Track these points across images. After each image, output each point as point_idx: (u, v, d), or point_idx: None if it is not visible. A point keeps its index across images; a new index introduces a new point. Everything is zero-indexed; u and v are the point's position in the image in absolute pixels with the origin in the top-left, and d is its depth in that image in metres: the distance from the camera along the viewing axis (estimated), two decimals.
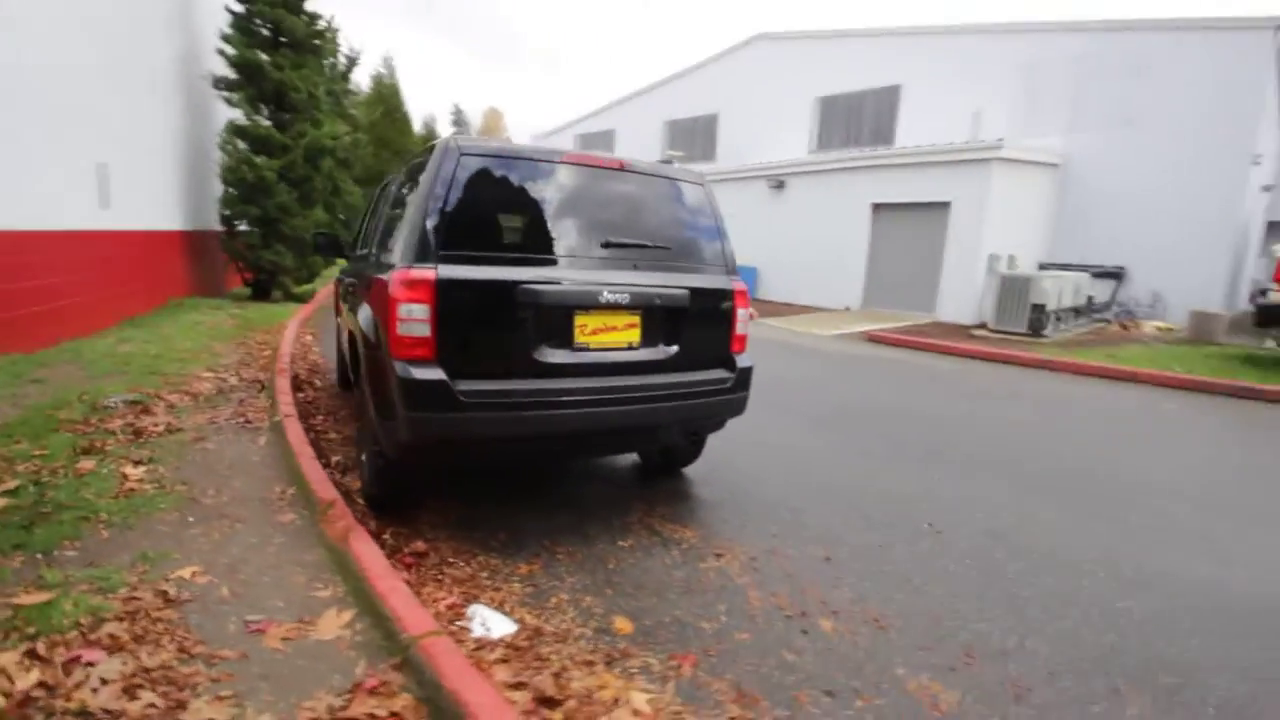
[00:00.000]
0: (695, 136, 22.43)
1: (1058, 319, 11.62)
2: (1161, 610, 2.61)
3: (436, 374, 2.52)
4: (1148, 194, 13.59)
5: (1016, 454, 4.70)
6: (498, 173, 2.72)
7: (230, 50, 8.98)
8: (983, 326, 12.13)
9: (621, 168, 3.04)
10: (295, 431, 3.93)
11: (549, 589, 2.57)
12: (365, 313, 2.95)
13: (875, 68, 17.53)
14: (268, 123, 9.41)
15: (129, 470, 3.28)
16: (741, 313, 3.27)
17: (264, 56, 9.23)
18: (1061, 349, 9.52)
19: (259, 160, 8.99)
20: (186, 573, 2.38)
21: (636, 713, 1.86)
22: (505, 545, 2.92)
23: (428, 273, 2.52)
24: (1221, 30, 12.83)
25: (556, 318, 2.74)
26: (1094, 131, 14.37)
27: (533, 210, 2.79)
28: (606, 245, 2.90)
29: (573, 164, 2.91)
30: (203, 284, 9.66)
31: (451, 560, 2.73)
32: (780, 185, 16.40)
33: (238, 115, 9.29)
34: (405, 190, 3.21)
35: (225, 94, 9.24)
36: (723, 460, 4.15)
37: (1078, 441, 5.14)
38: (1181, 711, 2.02)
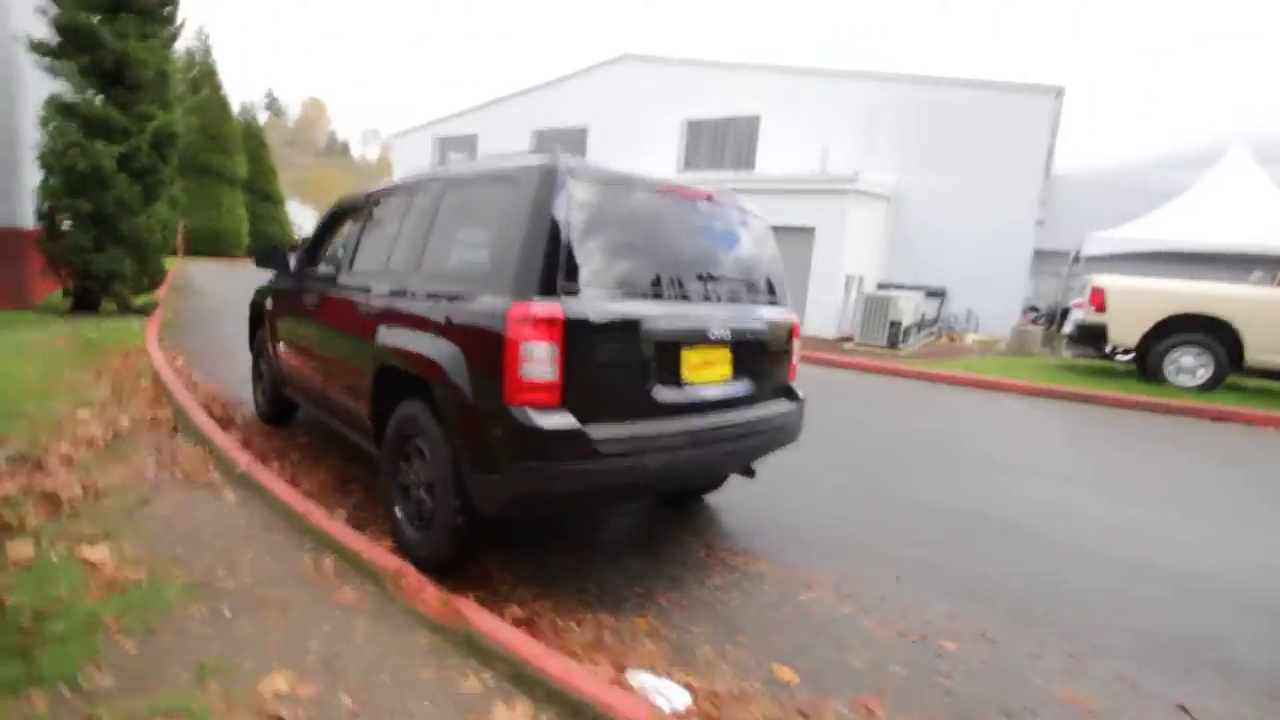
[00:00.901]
0: (565, 148, 22.35)
1: (907, 333, 13.30)
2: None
3: (568, 421, 2.28)
4: (961, 226, 16.02)
5: (979, 453, 5.31)
6: (602, 199, 2.53)
7: (54, 10, 7.29)
8: (849, 340, 13.49)
9: (709, 199, 2.99)
10: (280, 486, 3.32)
11: (682, 643, 2.44)
12: (442, 349, 2.54)
13: (738, 98, 18.78)
14: (104, 101, 7.78)
15: (89, 553, 2.55)
16: (796, 344, 3.37)
17: (97, 20, 7.62)
18: (922, 360, 10.89)
19: (96, 146, 7.39)
20: (281, 684, 1.92)
21: None
22: (602, 598, 2.72)
23: (554, 308, 2.28)
24: (1019, 92, 15.56)
25: (668, 355, 2.62)
26: (920, 171, 16.65)
27: (634, 240, 2.63)
28: (702, 279, 2.83)
29: (667, 193, 2.80)
30: (2, 293, 7.71)
31: (561, 623, 2.49)
32: None
33: (64, 89, 7.56)
34: (452, 210, 2.86)
35: (46, 61, 7.46)
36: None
37: (1028, 443, 5.93)
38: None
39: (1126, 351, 9.15)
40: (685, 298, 2.75)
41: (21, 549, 2.51)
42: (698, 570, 3.04)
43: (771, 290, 3.26)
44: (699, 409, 2.73)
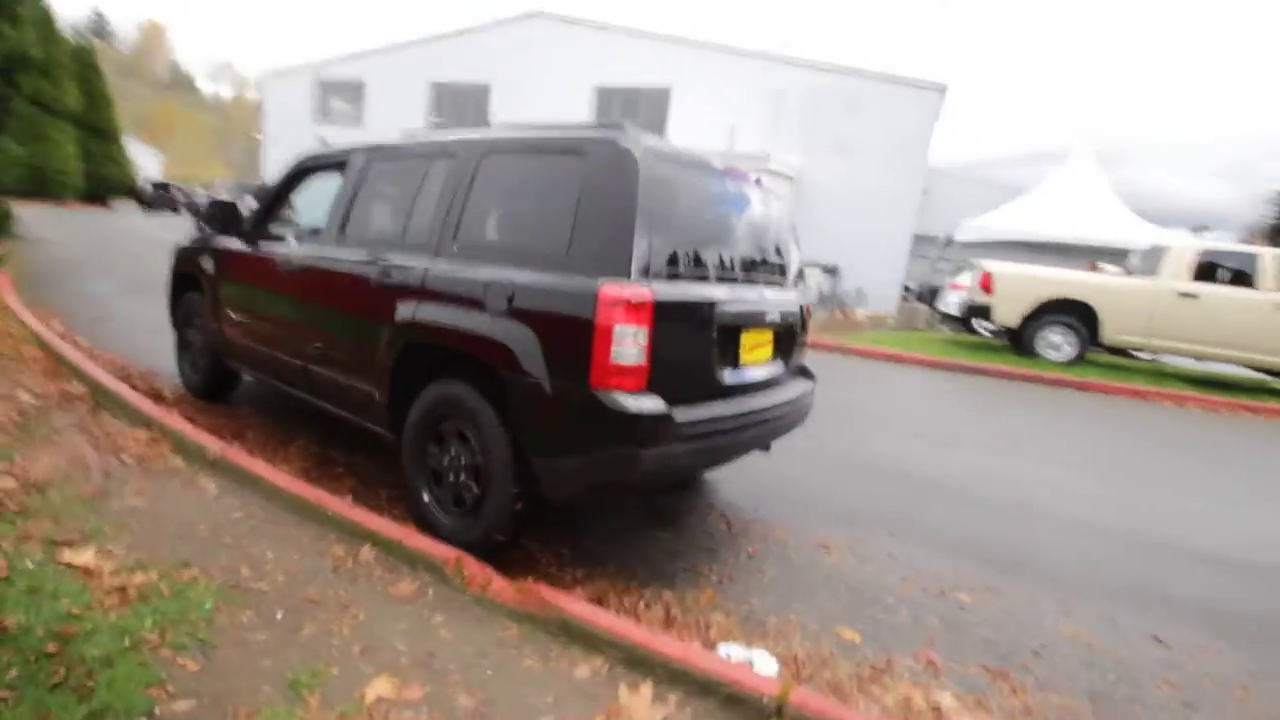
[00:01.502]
0: (465, 105, 21.15)
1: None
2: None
3: (658, 404, 2.26)
4: (854, 206, 17.14)
5: (916, 425, 5.79)
6: (675, 177, 2.47)
7: None
8: None
9: (757, 181, 3.01)
10: (275, 472, 2.99)
11: (748, 615, 2.53)
12: (508, 330, 2.37)
13: (650, 68, 18.66)
14: None
15: (74, 557, 2.19)
16: (809, 325, 3.50)
17: None
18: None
19: None
20: (385, 689, 1.78)
21: (942, 709, 2.05)
22: (653, 576, 2.74)
23: (644, 291, 2.22)
24: (911, 86, 16.73)
25: (732, 337, 2.65)
26: (820, 153, 17.54)
27: (701, 220, 2.61)
28: (753, 261, 2.86)
29: (726, 174, 2.78)
30: None
31: (628, 602, 2.48)
32: None
33: None
34: (495, 180, 2.67)
35: None
36: None
37: (944, 413, 6.53)
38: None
39: (1002, 329, 10.33)
40: (741, 280, 2.77)
41: None
42: (727, 542, 3.14)
43: (793, 272, 3.37)
44: (750, 390, 2.79)
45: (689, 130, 18.14)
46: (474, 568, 2.35)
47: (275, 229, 3.92)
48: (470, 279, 2.54)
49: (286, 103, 23.44)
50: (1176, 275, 8.88)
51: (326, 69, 22.94)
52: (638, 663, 1.98)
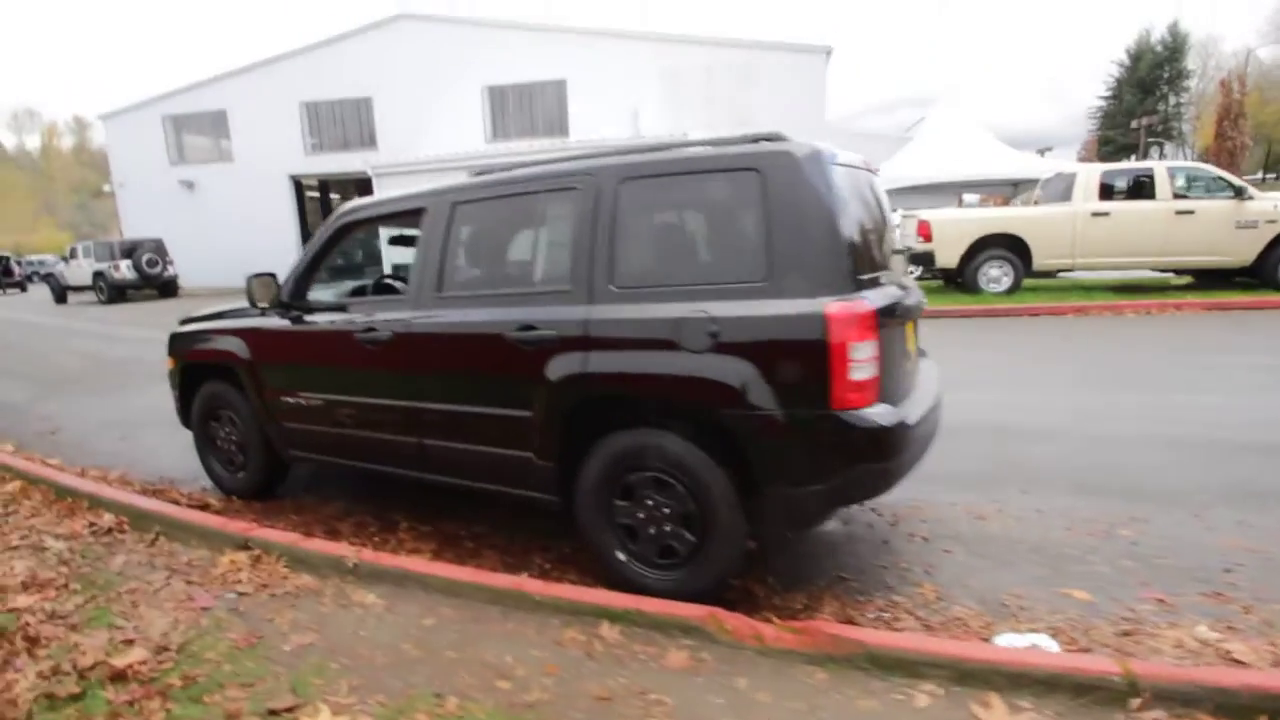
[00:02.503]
0: (345, 122, 19.77)
1: None
2: None
3: (893, 413, 2.23)
4: None
5: None
6: (843, 182, 2.41)
7: None
8: None
9: (875, 172, 3.00)
10: (431, 564, 2.71)
11: (982, 598, 2.56)
12: (721, 366, 2.24)
13: (541, 61, 18.22)
14: None
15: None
16: None
17: None
18: None
19: None
20: None
21: (1211, 642, 2.19)
22: (862, 582, 2.72)
23: (864, 302, 2.17)
24: (797, 52, 17.34)
25: (904, 333, 2.65)
26: (721, 127, 17.87)
27: (863, 220, 2.56)
28: (887, 254, 2.86)
29: (865, 169, 2.75)
30: None
31: (872, 615, 2.46)
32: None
33: None
34: (645, 209, 2.50)
35: None
36: None
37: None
38: None
39: (940, 271, 11.04)
40: (888, 272, 2.77)
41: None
42: (893, 529, 3.17)
43: None
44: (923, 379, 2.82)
45: (590, 120, 17.95)
46: (734, 620, 2.24)
47: (323, 296, 3.51)
48: (654, 319, 2.37)
49: (135, 145, 20.97)
50: (1088, 198, 9.82)
51: (175, 101, 20.67)
52: (969, 677, 1.97)
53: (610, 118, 17.61)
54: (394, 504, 3.73)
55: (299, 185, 21.14)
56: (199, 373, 3.92)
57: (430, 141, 18.25)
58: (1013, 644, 2.22)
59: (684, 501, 2.43)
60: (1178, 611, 2.42)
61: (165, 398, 6.77)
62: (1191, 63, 49.89)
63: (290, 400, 3.43)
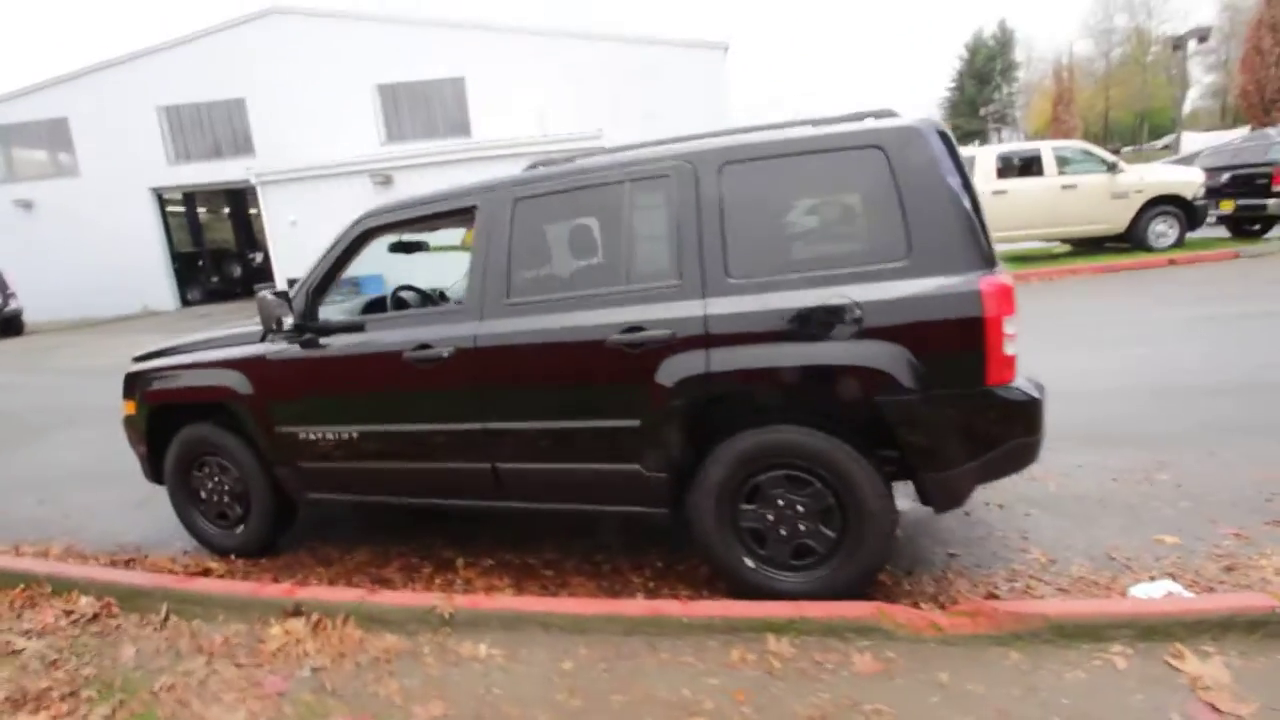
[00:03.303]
0: (215, 127, 17.83)
1: None
2: None
3: (1037, 386, 2.25)
4: None
5: None
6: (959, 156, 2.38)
7: None
8: None
9: None
10: (549, 601, 2.43)
11: (1090, 554, 2.65)
12: (866, 352, 2.14)
13: (437, 58, 17.33)
14: None
15: None
16: None
17: None
18: None
19: None
20: None
21: None
22: (988, 555, 2.75)
23: (1008, 276, 2.16)
24: (698, 48, 17.61)
25: None
26: (627, 124, 17.87)
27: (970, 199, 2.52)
28: None
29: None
30: None
31: (1015, 589, 2.49)
32: (387, 181, 14.90)
33: None
34: (752, 195, 2.36)
35: None
36: None
37: None
38: None
39: None
40: None
41: None
42: (1000, 495, 3.22)
43: None
44: None
45: (493, 119, 17.33)
46: (904, 613, 2.18)
47: (341, 315, 3.08)
48: (786, 309, 2.24)
49: None
50: (987, 178, 10.70)
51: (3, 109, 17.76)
52: (1151, 632, 2.02)
53: (515, 117, 17.07)
54: (430, 539, 3.35)
55: (162, 200, 18.81)
56: (172, 416, 3.32)
57: (318, 145, 16.86)
58: (1149, 594, 2.31)
59: (821, 498, 2.33)
60: (1257, 542, 2.63)
61: (73, 449, 5.81)
62: (1019, 55, 56.03)
63: (312, 437, 2.97)
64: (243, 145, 17.84)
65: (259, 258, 22.73)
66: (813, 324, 2.21)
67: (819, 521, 2.36)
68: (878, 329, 2.17)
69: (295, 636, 2.47)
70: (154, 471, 3.42)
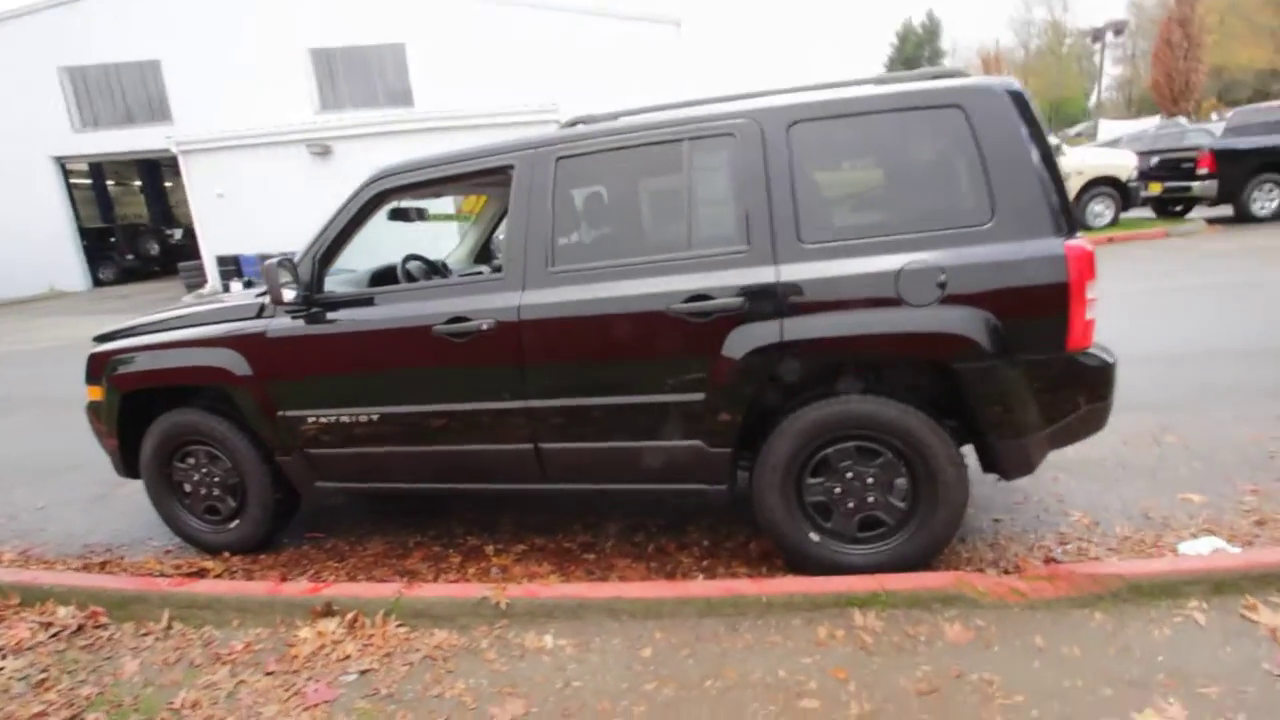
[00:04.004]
0: (125, 91, 16.27)
1: None
2: None
3: (1110, 351, 2.25)
4: None
5: None
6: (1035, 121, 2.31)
7: None
8: None
9: None
10: (614, 587, 2.29)
11: (1126, 513, 2.73)
12: (951, 317, 2.08)
13: (376, 22, 16.34)
14: None
15: None
16: None
17: None
18: None
19: None
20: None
21: None
22: (1030, 521, 2.77)
23: (1087, 244, 2.14)
24: (652, 22, 17.28)
25: None
26: (579, 98, 17.44)
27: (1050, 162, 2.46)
28: None
29: None
30: None
31: (1042, 549, 2.52)
32: (326, 151, 14.00)
33: None
34: (822, 154, 2.25)
35: None
36: None
37: None
38: None
39: None
40: None
41: None
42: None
43: None
44: None
45: (437, 89, 16.54)
46: (985, 581, 2.16)
47: (350, 288, 2.81)
48: (867, 274, 2.15)
49: None
50: None
51: None
52: (1223, 586, 2.07)
53: (452, 86, 16.33)
54: (448, 527, 3.14)
55: (66, 170, 17.06)
56: (148, 401, 2.96)
57: (244, 113, 15.64)
58: (1198, 550, 2.39)
59: (893, 468, 2.28)
60: (1275, 497, 2.77)
61: (3, 441, 5.16)
62: (945, 44, 58.11)
63: (323, 421, 2.70)
64: (159, 111, 16.34)
65: (178, 234, 21.09)
66: (894, 290, 2.13)
67: (888, 493, 2.31)
68: (962, 295, 2.11)
69: (330, 638, 2.24)
70: (126, 465, 3.05)
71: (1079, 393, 2.18)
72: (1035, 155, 2.12)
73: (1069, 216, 2.13)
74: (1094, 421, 2.25)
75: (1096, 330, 2.21)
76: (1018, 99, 2.15)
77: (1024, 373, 2.13)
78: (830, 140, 2.27)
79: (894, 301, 2.14)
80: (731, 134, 2.30)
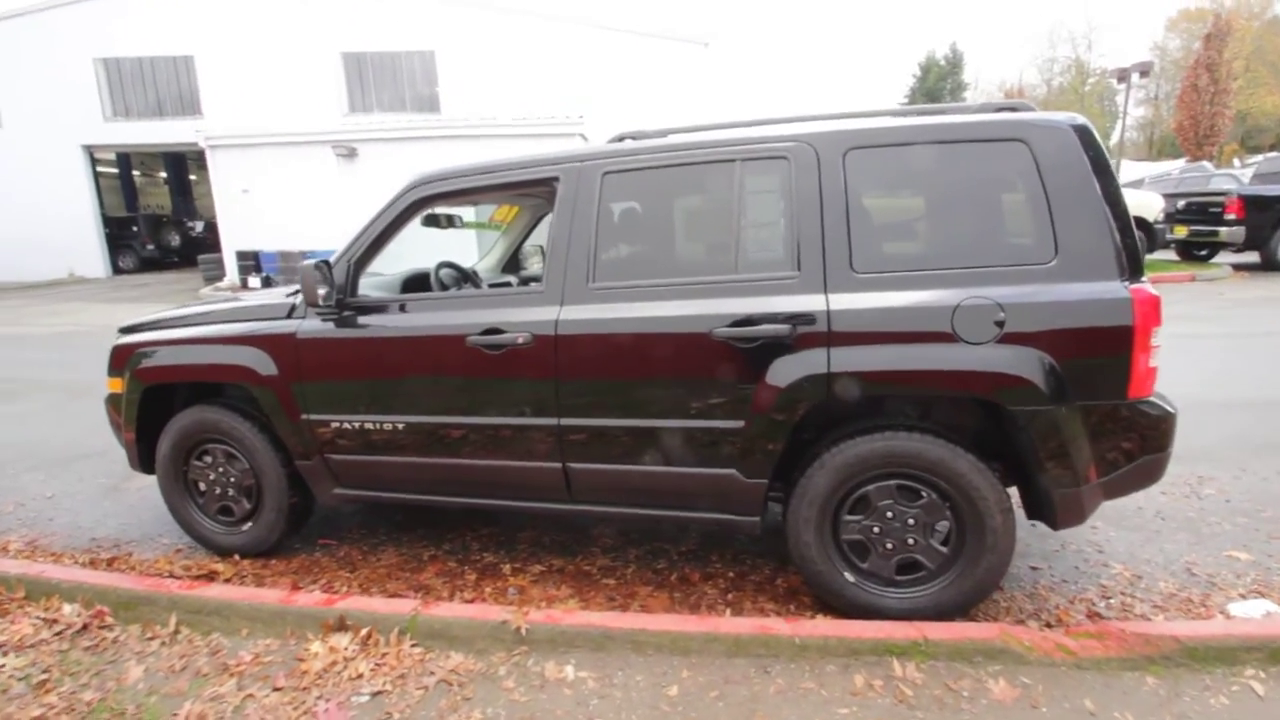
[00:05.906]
0: (159, 84, 16.50)
1: None
2: None
3: (1170, 401, 2.16)
4: None
5: None
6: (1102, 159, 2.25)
7: None
8: None
9: None
10: (643, 619, 2.20)
11: (1172, 573, 2.62)
12: (1007, 356, 2.00)
13: (408, 29, 16.54)
14: None
15: None
16: None
17: None
18: None
19: None
20: None
21: None
22: (1070, 573, 2.67)
23: (1153, 290, 2.06)
24: (680, 41, 17.40)
25: None
26: (605, 113, 17.53)
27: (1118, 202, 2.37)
28: None
29: None
30: None
31: (1083, 603, 2.41)
32: (351, 153, 14.11)
33: None
34: (876, 182, 2.20)
35: None
36: None
37: None
38: None
39: None
40: None
41: None
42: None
43: None
44: None
45: (465, 97, 16.68)
46: (1030, 635, 2.06)
47: (382, 293, 2.76)
48: (922, 308, 2.07)
49: None
50: None
51: None
52: None
53: (485, 96, 16.48)
54: (463, 542, 3.06)
55: (94, 159, 17.28)
56: (169, 396, 2.91)
57: (274, 111, 15.83)
58: (1248, 613, 2.28)
59: (936, 510, 2.19)
60: None
61: (16, 425, 5.13)
62: (967, 77, 58.38)
63: (347, 426, 2.64)
64: (189, 105, 16.56)
65: (199, 227, 21.27)
66: (949, 326, 2.06)
67: (930, 536, 2.22)
68: (1020, 334, 2.03)
69: (343, 654, 2.16)
70: (143, 460, 3.00)
71: (1137, 442, 2.09)
72: (1101, 193, 2.05)
73: (1135, 259, 2.05)
74: (1151, 473, 2.16)
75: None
76: (1084, 134, 2.08)
77: (1081, 419, 2.05)
78: (887, 168, 2.21)
79: (948, 337, 2.07)
80: (785, 157, 2.25)
